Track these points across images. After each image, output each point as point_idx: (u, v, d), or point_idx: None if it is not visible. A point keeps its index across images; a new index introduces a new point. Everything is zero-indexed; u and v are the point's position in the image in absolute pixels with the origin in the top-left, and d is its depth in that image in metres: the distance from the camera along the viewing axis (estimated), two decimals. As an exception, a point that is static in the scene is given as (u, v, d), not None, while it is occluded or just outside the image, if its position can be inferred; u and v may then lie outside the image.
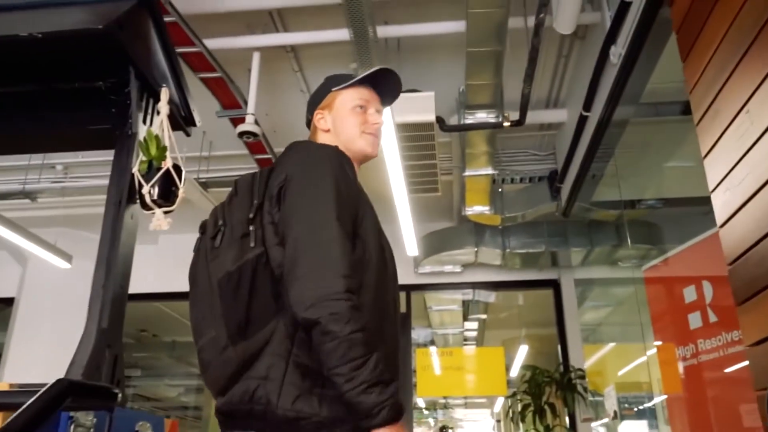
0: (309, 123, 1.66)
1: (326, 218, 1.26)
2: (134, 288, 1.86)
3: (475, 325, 8.40)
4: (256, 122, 3.65)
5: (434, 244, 5.89)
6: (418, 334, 8.86)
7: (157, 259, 5.80)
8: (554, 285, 6.22)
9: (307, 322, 1.16)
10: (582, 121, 3.98)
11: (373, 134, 1.60)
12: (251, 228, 1.31)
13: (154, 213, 1.78)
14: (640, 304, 4.17)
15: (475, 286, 6.50)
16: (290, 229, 1.27)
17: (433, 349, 7.80)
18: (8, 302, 6.66)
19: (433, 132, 3.77)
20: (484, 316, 8.28)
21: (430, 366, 6.29)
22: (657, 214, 5.14)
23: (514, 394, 6.10)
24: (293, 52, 3.96)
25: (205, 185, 4.97)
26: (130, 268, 1.79)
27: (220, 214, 1.40)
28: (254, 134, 3.56)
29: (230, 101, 4.06)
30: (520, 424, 5.88)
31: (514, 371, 8.40)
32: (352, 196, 1.37)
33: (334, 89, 1.61)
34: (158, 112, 1.93)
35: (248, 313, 1.25)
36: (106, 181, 5.09)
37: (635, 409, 5.50)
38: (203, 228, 1.44)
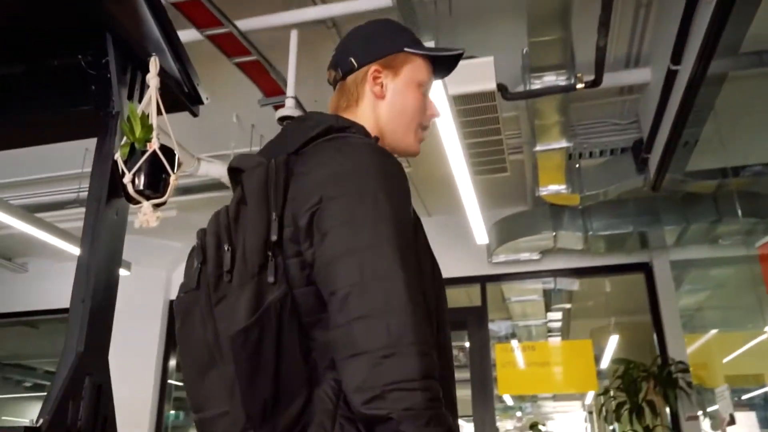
0: (348, 72, 1.19)
1: (391, 269, 0.90)
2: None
3: (558, 315, 7.84)
4: (298, 104, 3.32)
5: (507, 230, 5.42)
6: (499, 326, 8.40)
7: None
8: (645, 269, 5.61)
9: (371, 419, 0.84)
10: (670, 78, 3.42)
11: (427, 129, 1.25)
12: (270, 255, 0.96)
13: (141, 206, 1.46)
14: (751, 284, 3.58)
15: (555, 274, 5.98)
16: (337, 281, 0.91)
17: (514, 343, 7.30)
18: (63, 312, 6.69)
19: (495, 102, 3.32)
20: (568, 306, 7.70)
21: (513, 362, 5.82)
22: (764, 183, 4.47)
23: (606, 391, 5.54)
24: (335, 28, 3.60)
25: (257, 181, 4.71)
26: (117, 276, 1.48)
27: (224, 233, 1.00)
28: (295, 120, 3.22)
29: (272, 88, 3.76)
30: (615, 424, 5.32)
31: (605, 362, 7.82)
32: (411, 223, 1.01)
33: (408, 49, 1.20)
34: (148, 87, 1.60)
35: (276, 385, 0.92)
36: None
37: (749, 406, 4.84)
38: (201, 252, 1.01)
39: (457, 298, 7.08)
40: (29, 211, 4.72)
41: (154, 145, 1.45)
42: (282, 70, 3.55)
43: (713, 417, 5.02)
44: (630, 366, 5.15)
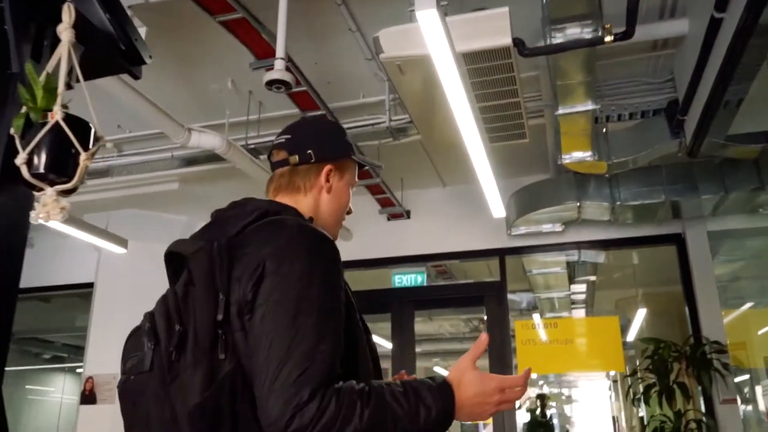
0: (305, 161, 1.34)
1: (314, 349, 1.01)
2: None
3: (582, 287, 7.47)
4: (289, 68, 2.96)
5: (527, 201, 5.04)
6: (520, 297, 8.08)
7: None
8: (677, 240, 5.20)
9: None
10: (713, 28, 2.99)
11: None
12: (220, 333, 1.04)
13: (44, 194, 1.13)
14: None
15: (579, 246, 5.60)
16: (259, 356, 1.02)
17: (536, 319, 6.98)
18: (88, 287, 6.53)
19: (511, 60, 2.93)
20: (592, 278, 7.33)
21: (533, 339, 5.49)
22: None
23: (633, 373, 5.19)
24: (331, -19, 3.22)
25: (256, 152, 4.39)
26: (17, 277, 1.16)
27: (174, 315, 1.06)
28: (286, 84, 2.87)
29: (264, 49, 3.41)
30: (643, 406, 4.99)
31: (631, 335, 7.48)
32: (339, 301, 1.13)
33: (354, 157, 1.41)
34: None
35: None
36: (156, 156, 4.64)
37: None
38: (152, 334, 1.07)
39: (474, 270, 6.75)
40: None
41: (56, 116, 1.12)
42: (274, 30, 3.18)
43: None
44: (660, 346, 4.78)
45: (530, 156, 4.97)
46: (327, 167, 1.34)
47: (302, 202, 1.31)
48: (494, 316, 5.64)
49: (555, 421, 12.27)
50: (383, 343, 9.94)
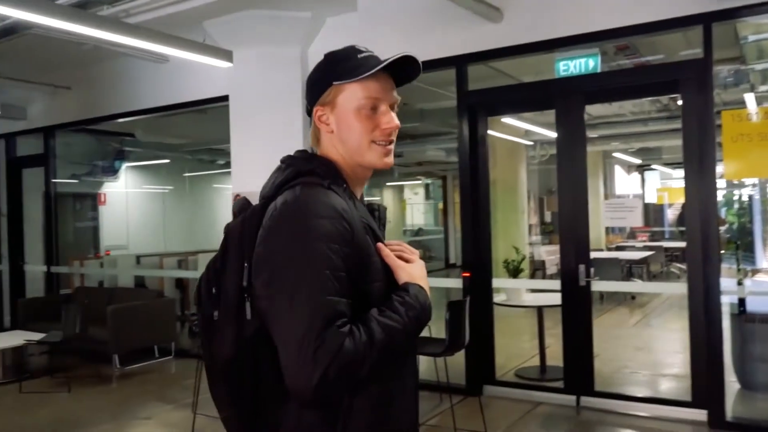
0: (309, 114, 1.35)
1: (304, 328, 1.08)
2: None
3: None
4: None
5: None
6: (729, 78, 6.46)
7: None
8: None
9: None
10: None
11: (386, 142, 1.30)
12: (246, 296, 1.17)
13: None
14: None
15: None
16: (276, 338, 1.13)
17: (750, 106, 5.46)
18: (223, 99, 6.19)
19: None
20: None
21: (747, 134, 4.19)
22: None
23: None
24: None
25: None
26: None
27: (213, 279, 1.24)
28: None
29: None
30: None
31: None
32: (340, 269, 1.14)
33: (335, 83, 1.28)
34: None
35: (256, 403, 1.19)
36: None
37: None
38: (197, 297, 1.27)
39: (667, 44, 5.29)
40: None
41: None
42: None
43: None
44: None
45: None
46: (316, 112, 1.32)
47: (324, 149, 1.33)
48: (693, 105, 4.36)
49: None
50: (546, 133, 8.91)
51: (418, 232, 17.59)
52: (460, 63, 5.21)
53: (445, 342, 4.02)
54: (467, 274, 5.18)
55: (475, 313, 5.06)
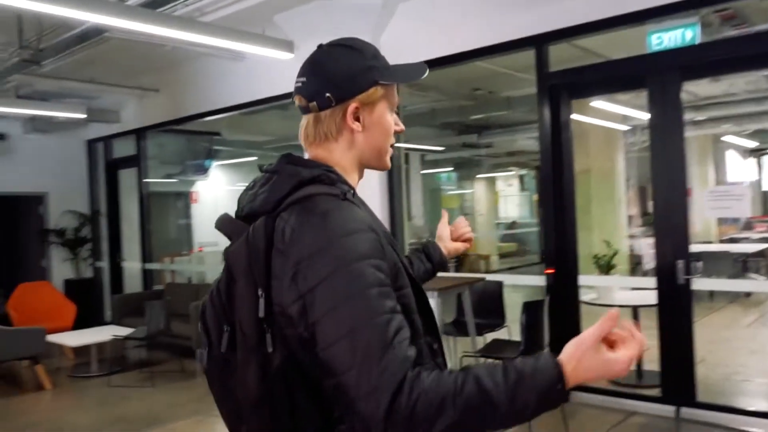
0: (325, 107, 1.17)
1: (375, 345, 0.97)
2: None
3: None
4: None
5: None
6: None
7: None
8: None
9: None
10: None
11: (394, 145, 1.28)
12: (265, 328, 1.05)
13: None
14: None
15: None
16: (336, 368, 0.99)
17: None
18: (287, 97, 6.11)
19: None
20: None
21: None
22: None
23: None
24: None
25: None
26: None
27: (220, 313, 1.12)
28: None
29: None
30: None
31: None
32: (383, 280, 1.04)
33: (382, 82, 1.20)
34: None
35: (294, 428, 1.05)
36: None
37: None
38: (206, 336, 1.14)
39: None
40: None
41: None
42: None
43: None
44: None
45: None
46: (352, 106, 1.18)
47: (336, 151, 1.21)
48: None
49: None
50: (638, 116, 8.17)
51: (512, 225, 17.03)
52: (539, 42, 4.83)
53: (520, 346, 3.69)
54: (550, 271, 4.79)
55: (559, 312, 4.69)
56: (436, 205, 16.11)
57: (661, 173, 4.42)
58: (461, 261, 12.79)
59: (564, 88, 4.87)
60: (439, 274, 1.73)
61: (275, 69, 6.39)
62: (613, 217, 9.19)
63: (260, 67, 6.58)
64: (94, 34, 5.23)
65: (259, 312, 1.04)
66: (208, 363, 1.14)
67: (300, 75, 1.21)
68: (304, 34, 5.63)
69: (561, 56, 4.94)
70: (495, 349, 4.26)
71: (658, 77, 4.40)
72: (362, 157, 1.22)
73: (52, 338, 6.05)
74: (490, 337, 4.72)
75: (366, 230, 1.06)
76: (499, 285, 4.75)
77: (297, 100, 1.21)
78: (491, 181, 16.41)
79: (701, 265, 4.29)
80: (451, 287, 4.33)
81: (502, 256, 14.96)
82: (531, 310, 3.70)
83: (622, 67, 4.66)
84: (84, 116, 7.56)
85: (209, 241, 9.95)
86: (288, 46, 4.33)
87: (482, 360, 4.12)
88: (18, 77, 6.96)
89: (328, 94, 1.16)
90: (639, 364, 5.13)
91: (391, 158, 1.29)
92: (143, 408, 5.24)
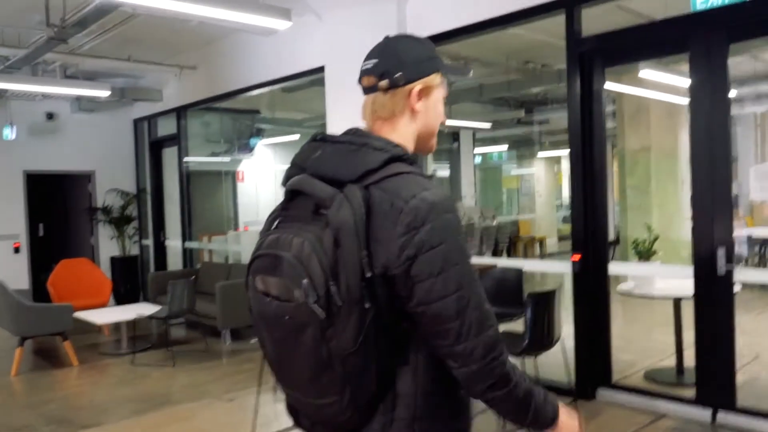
0: (396, 85, 1.30)
1: (477, 301, 1.20)
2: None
3: None
4: None
5: None
6: None
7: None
8: None
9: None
10: None
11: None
12: (364, 285, 1.16)
13: None
14: None
15: None
16: (447, 319, 1.17)
17: None
18: (319, 71, 5.88)
19: None
20: None
21: None
22: None
23: None
24: None
25: None
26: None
27: (327, 269, 1.16)
28: None
29: None
30: None
31: None
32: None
33: (443, 72, 1.38)
34: None
35: (377, 382, 1.20)
36: None
37: None
38: (312, 288, 1.16)
39: None
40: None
41: None
42: None
43: None
44: None
45: None
46: (417, 88, 1.32)
47: (400, 129, 1.33)
48: None
49: None
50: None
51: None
52: (570, 4, 4.38)
53: (523, 342, 3.33)
54: (577, 257, 4.37)
55: (585, 304, 4.28)
56: (495, 185, 15.58)
57: (702, 147, 3.91)
58: (514, 243, 12.29)
59: (597, 54, 4.40)
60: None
61: (301, 43, 6.18)
62: (675, 198, 8.53)
63: (288, 42, 6.37)
64: (109, 7, 5.14)
65: (366, 273, 1.14)
66: (310, 319, 1.17)
67: (368, 58, 1.33)
68: (326, 3, 5.38)
69: (593, 24, 4.46)
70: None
71: (701, 38, 3.87)
72: (419, 135, 1.35)
73: (79, 315, 6.12)
74: (503, 327, 4.35)
75: (456, 210, 1.22)
76: (519, 272, 4.37)
77: (365, 81, 1.32)
78: (551, 161, 15.70)
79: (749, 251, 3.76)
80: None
81: (561, 238, 14.32)
82: (535, 302, 3.32)
83: (660, 29, 4.14)
84: (108, 93, 7.55)
85: (252, 219, 9.93)
86: (285, 13, 4.07)
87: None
88: (62, 57, 7.06)
89: (400, 73, 1.29)
90: (680, 359, 4.64)
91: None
92: (158, 388, 5.20)
